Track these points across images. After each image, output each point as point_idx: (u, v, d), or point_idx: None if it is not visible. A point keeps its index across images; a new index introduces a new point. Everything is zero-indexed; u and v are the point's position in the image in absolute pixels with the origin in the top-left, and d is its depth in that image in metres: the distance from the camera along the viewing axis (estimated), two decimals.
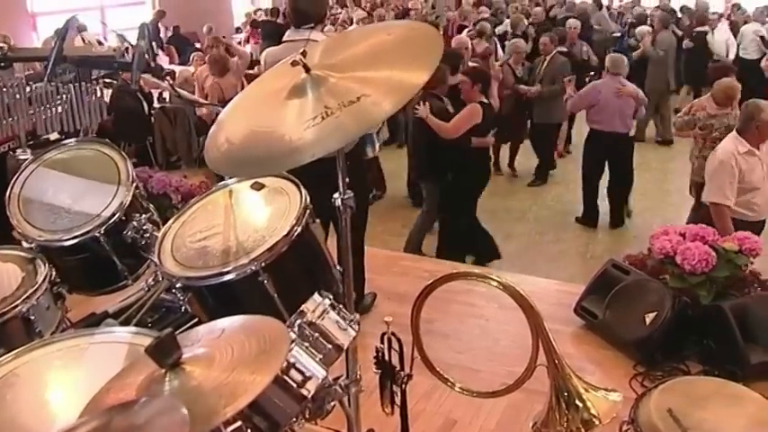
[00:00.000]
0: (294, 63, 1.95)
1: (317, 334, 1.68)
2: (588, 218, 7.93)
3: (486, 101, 6.39)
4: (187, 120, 9.50)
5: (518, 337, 2.38)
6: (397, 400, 2.43)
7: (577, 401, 2.26)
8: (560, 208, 8.41)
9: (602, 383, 2.43)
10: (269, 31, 11.92)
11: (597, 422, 2.19)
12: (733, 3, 15.81)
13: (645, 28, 11.48)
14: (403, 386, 2.41)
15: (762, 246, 3.80)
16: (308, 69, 1.94)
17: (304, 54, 1.96)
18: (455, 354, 3.82)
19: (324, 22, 4.28)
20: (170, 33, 14.41)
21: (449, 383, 2.63)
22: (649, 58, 10.74)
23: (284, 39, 4.02)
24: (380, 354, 2.37)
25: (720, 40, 12.17)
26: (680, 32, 12.46)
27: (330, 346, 1.70)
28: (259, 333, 1.39)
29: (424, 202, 6.89)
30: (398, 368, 2.39)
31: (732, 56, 11.86)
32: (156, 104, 9.65)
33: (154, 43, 13.21)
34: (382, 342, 2.37)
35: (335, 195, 2.16)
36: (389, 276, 4.71)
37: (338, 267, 2.32)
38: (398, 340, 2.36)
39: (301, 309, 1.72)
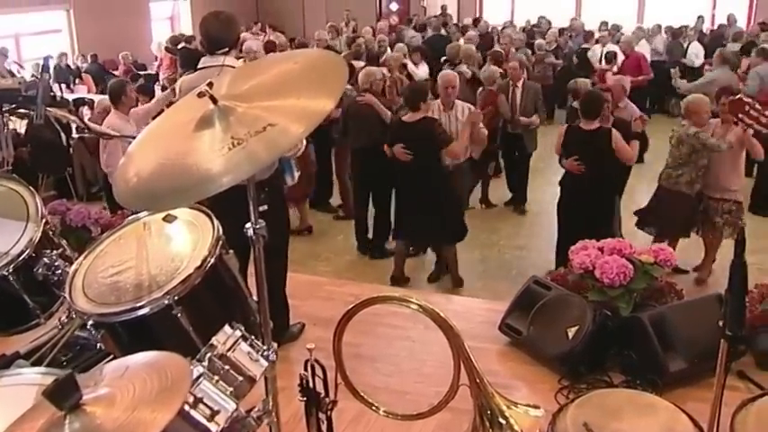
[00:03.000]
0: (201, 95, 1.93)
1: (227, 366, 1.66)
2: None
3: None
4: None
5: (445, 358, 2.39)
6: (324, 427, 2.42)
7: (500, 419, 2.28)
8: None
9: (528, 399, 2.46)
10: (186, 58, 11.73)
11: None
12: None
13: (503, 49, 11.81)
14: (328, 413, 2.40)
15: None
16: (215, 101, 1.92)
17: (210, 86, 1.94)
18: (383, 377, 3.81)
19: (237, 47, 4.25)
20: (87, 63, 14.03)
21: (373, 408, 2.62)
22: None
23: (199, 65, 3.99)
24: (304, 381, 2.36)
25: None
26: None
27: (241, 378, 1.68)
28: (161, 370, 1.36)
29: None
30: (323, 395, 2.38)
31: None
32: (74, 134, 9.38)
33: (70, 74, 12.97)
34: (306, 369, 2.35)
35: (247, 225, 2.13)
36: (314, 301, 4.67)
37: (255, 297, 2.29)
38: (322, 367, 2.35)
39: (211, 341, 1.70)
